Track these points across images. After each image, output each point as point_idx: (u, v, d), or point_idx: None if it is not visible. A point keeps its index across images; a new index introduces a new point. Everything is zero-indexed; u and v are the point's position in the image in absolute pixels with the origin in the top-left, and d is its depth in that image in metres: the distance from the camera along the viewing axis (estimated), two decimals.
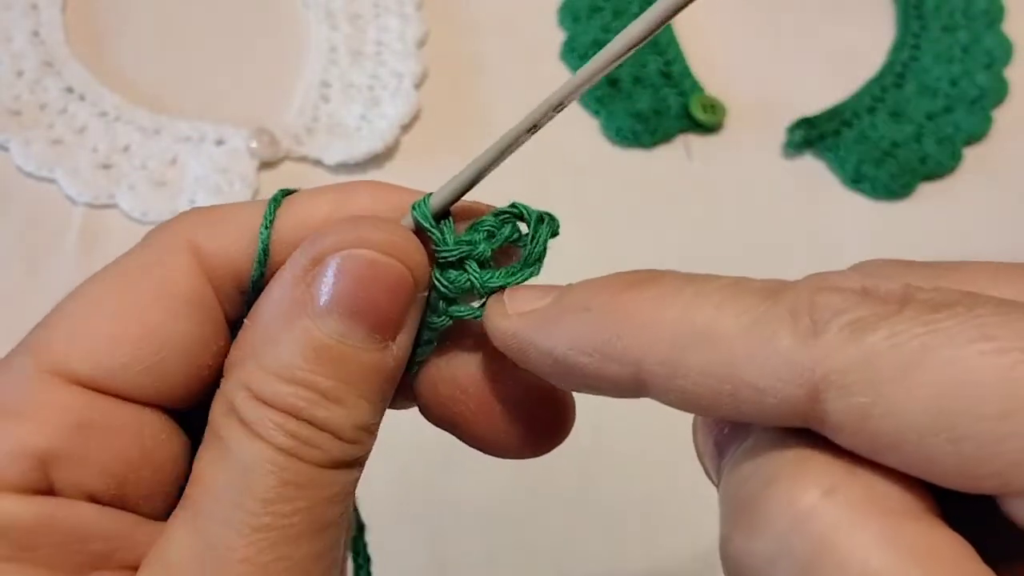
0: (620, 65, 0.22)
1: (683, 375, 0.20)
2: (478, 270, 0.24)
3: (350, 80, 0.61)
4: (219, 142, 0.57)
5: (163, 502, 0.25)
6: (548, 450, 0.27)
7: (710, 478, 0.26)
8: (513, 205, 0.25)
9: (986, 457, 0.17)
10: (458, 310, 0.25)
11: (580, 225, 0.58)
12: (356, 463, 0.24)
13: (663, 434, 0.53)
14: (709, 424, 0.26)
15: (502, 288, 0.24)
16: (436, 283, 0.25)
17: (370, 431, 0.24)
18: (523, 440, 0.26)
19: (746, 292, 0.20)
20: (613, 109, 0.61)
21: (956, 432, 0.17)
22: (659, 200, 0.60)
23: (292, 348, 0.23)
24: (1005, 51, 0.66)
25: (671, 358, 0.20)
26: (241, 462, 0.23)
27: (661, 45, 0.64)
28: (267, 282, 0.25)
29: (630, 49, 0.22)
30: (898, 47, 0.66)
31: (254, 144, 0.57)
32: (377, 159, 0.59)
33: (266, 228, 0.25)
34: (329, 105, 0.60)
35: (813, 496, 0.18)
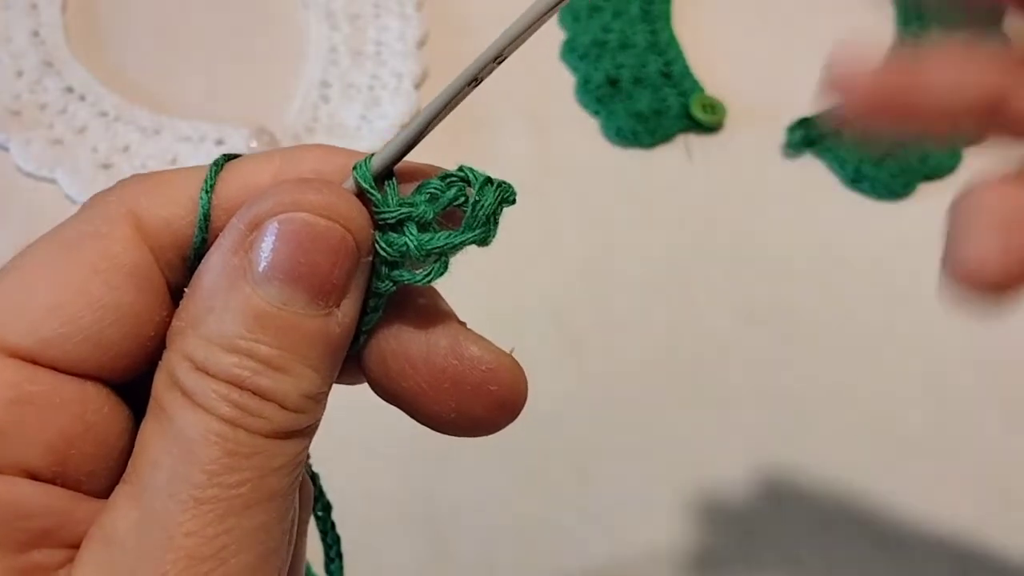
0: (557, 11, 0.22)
1: None
2: (416, 233, 0.24)
3: (350, 80, 0.61)
4: (219, 142, 0.57)
5: (106, 479, 0.24)
6: (498, 428, 0.26)
7: None
8: (460, 168, 0.24)
9: None
10: (401, 275, 0.24)
11: (580, 225, 0.58)
12: (303, 433, 0.23)
13: (663, 434, 0.53)
14: None
15: (442, 251, 0.24)
16: (376, 246, 0.24)
17: (317, 400, 0.23)
18: (474, 418, 0.25)
19: None
20: (613, 109, 0.61)
21: None
22: (659, 200, 0.60)
23: (233, 316, 0.22)
24: None
25: None
26: (184, 434, 0.22)
27: (661, 45, 0.64)
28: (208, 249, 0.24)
29: None
30: (898, 47, 0.66)
31: (254, 144, 0.57)
32: None
33: (207, 193, 0.24)
34: (329, 105, 0.60)
35: None
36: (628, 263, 0.57)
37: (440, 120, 0.24)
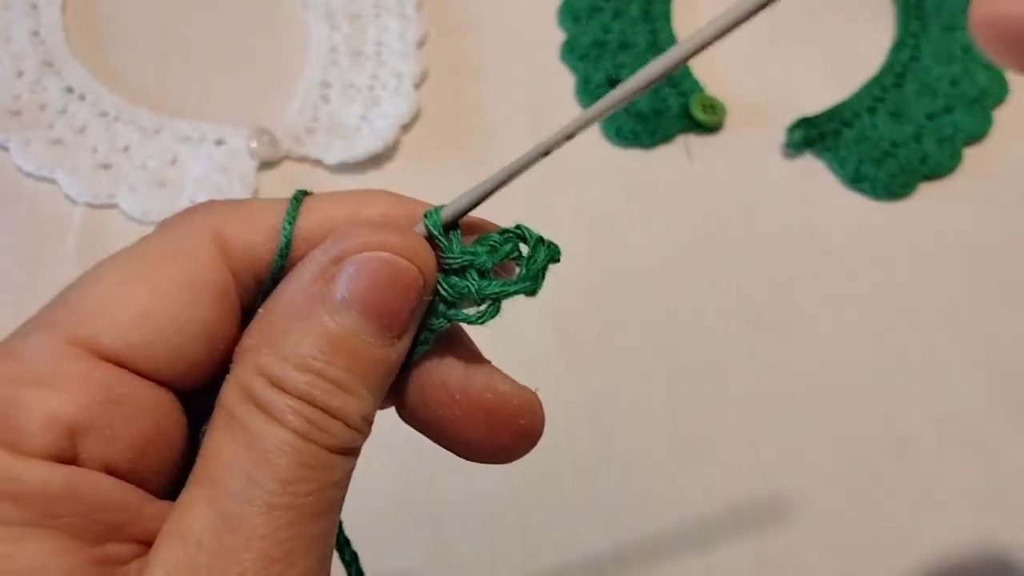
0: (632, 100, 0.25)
1: None
2: (477, 278, 0.26)
3: (350, 80, 0.61)
4: (219, 142, 0.57)
5: (166, 479, 0.26)
6: (518, 457, 0.29)
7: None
8: (517, 226, 0.28)
9: None
10: (456, 314, 0.27)
11: (580, 225, 0.58)
12: (356, 451, 0.26)
13: (664, 434, 0.53)
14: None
15: (498, 297, 0.27)
16: (439, 287, 0.26)
17: (369, 422, 0.26)
18: (500, 447, 0.28)
19: None
20: None
21: None
22: (659, 200, 0.60)
23: (309, 339, 0.24)
24: None
25: None
26: (260, 444, 0.24)
27: (661, 45, 0.64)
28: (285, 275, 0.26)
29: (647, 85, 0.24)
30: (898, 47, 0.66)
31: (254, 144, 0.57)
32: (377, 159, 0.59)
33: (289, 224, 0.26)
34: (329, 105, 0.60)
35: None
36: (628, 263, 0.57)
37: (506, 184, 0.27)
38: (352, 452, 0.25)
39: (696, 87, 0.63)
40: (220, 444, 0.24)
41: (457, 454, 0.28)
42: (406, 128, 0.60)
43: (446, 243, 0.27)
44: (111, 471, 0.25)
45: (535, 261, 0.27)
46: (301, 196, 0.27)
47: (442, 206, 0.27)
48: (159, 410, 0.26)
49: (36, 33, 0.59)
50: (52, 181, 0.55)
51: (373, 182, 0.58)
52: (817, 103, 0.63)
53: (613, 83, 0.62)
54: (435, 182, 0.58)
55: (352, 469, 0.25)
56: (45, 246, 0.54)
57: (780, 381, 0.54)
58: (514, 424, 0.28)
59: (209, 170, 0.56)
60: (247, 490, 0.23)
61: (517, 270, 0.27)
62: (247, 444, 0.24)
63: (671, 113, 0.62)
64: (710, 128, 0.62)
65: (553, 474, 0.50)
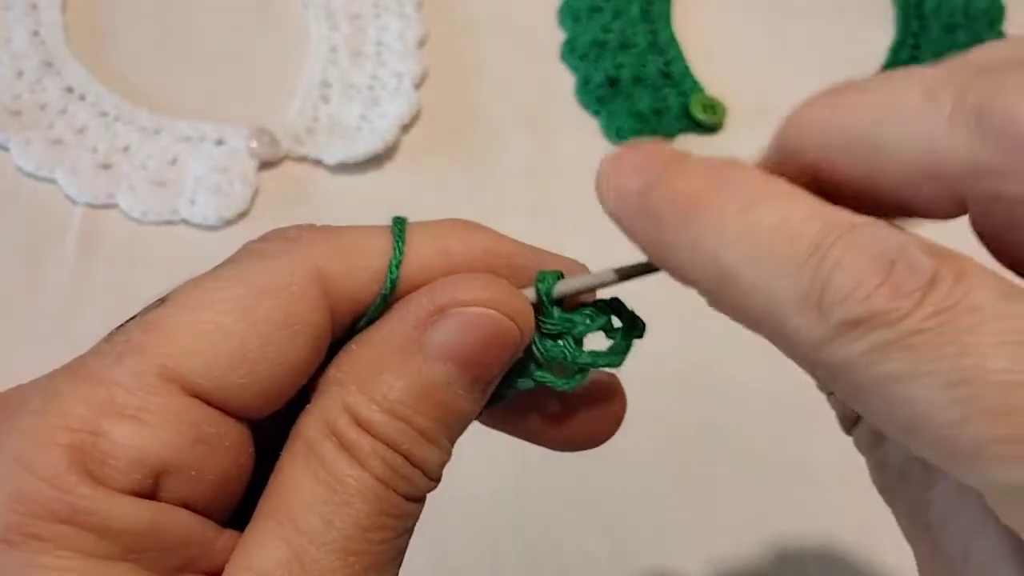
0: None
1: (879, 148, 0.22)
2: (573, 346, 0.27)
3: (350, 80, 0.61)
4: (219, 142, 0.57)
5: (229, 509, 0.26)
6: (608, 438, 0.30)
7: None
8: (614, 299, 0.28)
9: None
10: (543, 376, 0.27)
11: (580, 225, 0.58)
12: (423, 502, 0.26)
13: (664, 434, 0.53)
14: None
15: (586, 368, 0.27)
16: (534, 349, 0.27)
17: (442, 472, 0.26)
18: (592, 438, 0.29)
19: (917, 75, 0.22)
20: (613, 109, 0.61)
21: None
22: None
23: (401, 383, 0.24)
24: None
25: (870, 132, 0.22)
26: (342, 486, 0.23)
27: (661, 45, 0.64)
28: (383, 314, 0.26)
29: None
30: (898, 47, 0.66)
31: (254, 144, 0.57)
32: (377, 159, 0.59)
33: (396, 267, 0.26)
34: (329, 105, 0.60)
35: None
36: (628, 262, 0.57)
37: (627, 280, 0.28)
38: (423, 501, 0.25)
39: (696, 87, 0.63)
40: (298, 479, 0.24)
41: (543, 446, 0.29)
42: (406, 128, 0.60)
43: (549, 308, 0.27)
44: (189, 507, 0.24)
45: (627, 338, 0.28)
46: (403, 230, 0.26)
47: (557, 273, 0.27)
48: (242, 448, 0.25)
49: (36, 33, 0.59)
50: (52, 181, 0.55)
51: (373, 182, 0.58)
52: None
53: (613, 83, 0.63)
54: (435, 182, 0.58)
55: (419, 516, 0.25)
56: (45, 246, 0.54)
57: (780, 376, 0.54)
58: (608, 415, 0.28)
59: (209, 170, 0.56)
60: (324, 532, 0.23)
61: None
62: (327, 484, 0.23)
63: (671, 113, 0.62)
64: (710, 128, 0.62)
65: (553, 475, 0.50)
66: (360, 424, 0.24)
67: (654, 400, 0.53)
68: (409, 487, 0.24)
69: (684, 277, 0.23)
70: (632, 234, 0.25)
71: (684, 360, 0.55)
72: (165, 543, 0.23)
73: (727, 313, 0.22)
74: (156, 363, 0.24)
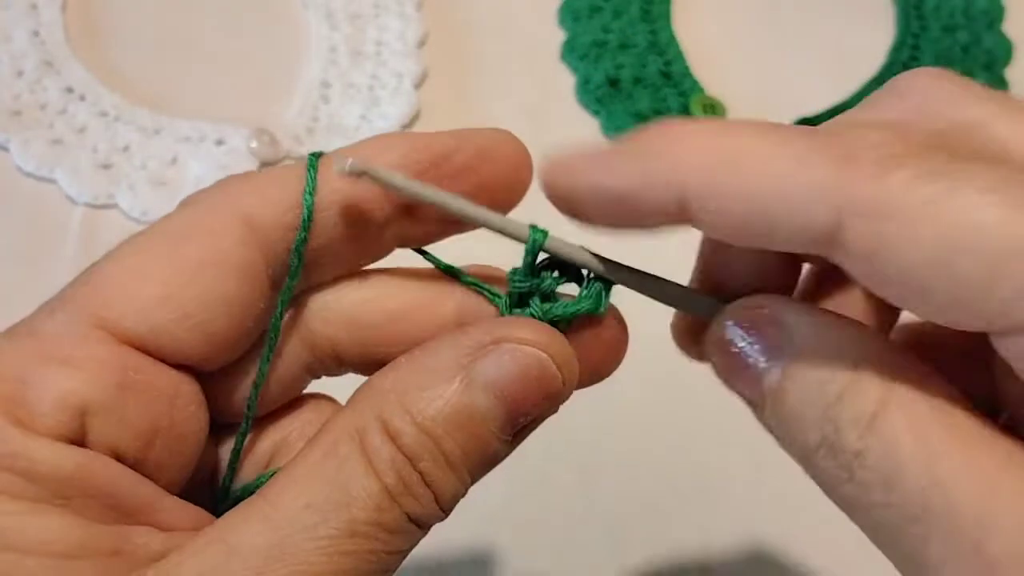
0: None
1: (721, 195, 0.22)
2: (540, 303, 0.28)
3: (350, 80, 0.61)
4: (219, 142, 0.57)
5: (177, 474, 0.26)
6: (614, 367, 0.30)
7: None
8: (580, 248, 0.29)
9: (980, 295, 0.19)
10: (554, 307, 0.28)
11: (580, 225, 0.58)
12: (427, 530, 0.25)
13: (664, 433, 0.53)
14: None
15: (560, 319, 0.27)
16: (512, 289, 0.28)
17: (453, 507, 0.25)
18: (589, 373, 0.28)
19: (783, 127, 0.22)
20: (613, 109, 0.61)
21: (954, 269, 0.19)
22: None
23: (439, 403, 0.24)
24: (1005, 51, 0.66)
25: (713, 180, 0.22)
26: (348, 488, 0.23)
27: (661, 45, 0.64)
28: (306, 240, 0.26)
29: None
30: (898, 47, 0.66)
31: (254, 144, 0.57)
32: None
33: (310, 195, 0.26)
34: (329, 105, 0.60)
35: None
36: (628, 262, 0.57)
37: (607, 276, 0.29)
38: (426, 529, 0.25)
39: (696, 87, 0.63)
40: (308, 469, 0.24)
41: None
42: (406, 128, 0.60)
43: (525, 263, 0.27)
44: (119, 457, 0.25)
45: (594, 285, 0.28)
46: (316, 162, 0.27)
47: (545, 231, 0.29)
48: (175, 400, 0.25)
49: (36, 33, 0.59)
50: (52, 181, 0.55)
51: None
52: (817, 103, 0.63)
53: (613, 83, 0.63)
54: None
55: (415, 545, 0.25)
56: (45, 246, 0.54)
57: None
58: (599, 344, 0.29)
59: (209, 170, 0.56)
60: (315, 526, 0.23)
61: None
62: (334, 479, 0.23)
63: (671, 113, 0.62)
64: None
65: (553, 475, 0.50)
66: (388, 432, 0.24)
67: (654, 400, 0.53)
68: (416, 507, 0.24)
69: (670, 197, 0.24)
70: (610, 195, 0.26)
71: (684, 360, 0.55)
72: (92, 490, 0.24)
73: (724, 220, 0.23)
74: (87, 312, 0.24)
